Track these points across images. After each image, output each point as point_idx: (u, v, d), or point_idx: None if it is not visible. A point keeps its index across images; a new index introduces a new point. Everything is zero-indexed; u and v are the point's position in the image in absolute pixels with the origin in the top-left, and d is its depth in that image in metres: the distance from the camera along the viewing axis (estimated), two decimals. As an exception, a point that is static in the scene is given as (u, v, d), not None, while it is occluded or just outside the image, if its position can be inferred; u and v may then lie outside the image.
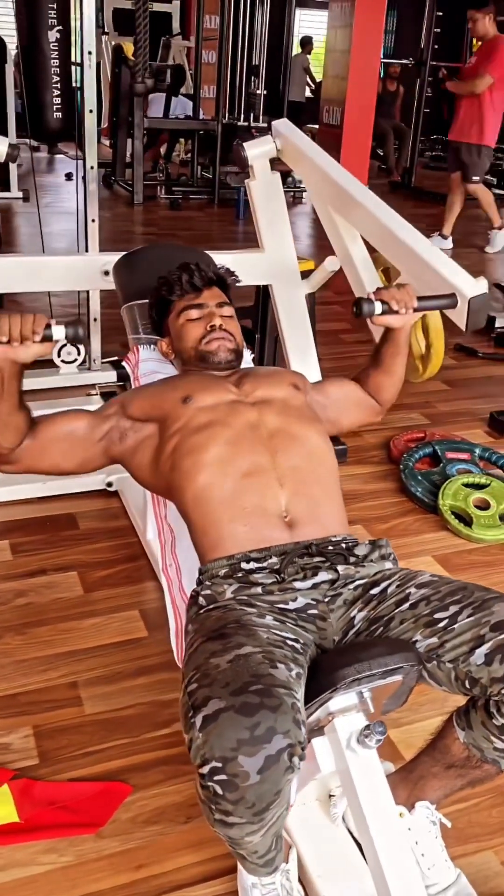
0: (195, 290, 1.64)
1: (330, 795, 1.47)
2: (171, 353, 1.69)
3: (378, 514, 2.59)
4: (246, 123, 7.25)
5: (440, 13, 8.56)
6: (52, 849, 1.44)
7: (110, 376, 3.32)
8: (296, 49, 11.07)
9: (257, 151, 2.26)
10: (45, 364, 3.32)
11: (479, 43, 5.81)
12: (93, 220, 3.09)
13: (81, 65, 2.88)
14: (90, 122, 2.96)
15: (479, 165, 5.75)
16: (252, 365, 1.98)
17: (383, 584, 1.31)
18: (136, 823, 1.50)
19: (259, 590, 1.27)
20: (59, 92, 3.29)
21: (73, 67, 3.29)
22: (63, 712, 1.74)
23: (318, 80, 10.45)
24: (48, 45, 3.20)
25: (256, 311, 3.01)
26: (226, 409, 1.45)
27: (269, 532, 1.34)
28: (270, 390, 1.51)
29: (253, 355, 2.03)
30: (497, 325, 4.38)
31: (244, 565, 1.30)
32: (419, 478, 2.70)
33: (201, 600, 1.30)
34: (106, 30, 9.06)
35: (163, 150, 8.56)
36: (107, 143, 8.39)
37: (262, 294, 2.93)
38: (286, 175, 3.87)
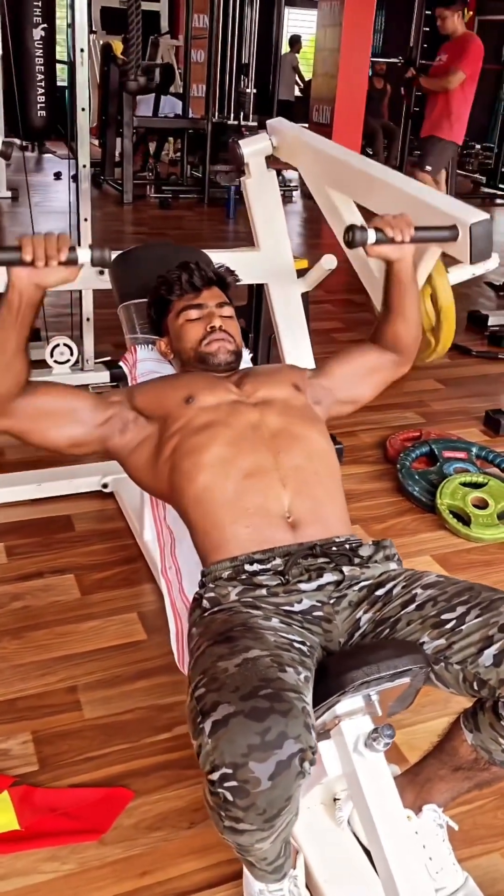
0: (195, 289, 1.62)
1: (335, 799, 1.46)
2: (169, 352, 1.67)
3: (375, 513, 2.58)
4: (236, 122, 7.22)
5: (429, 12, 8.56)
6: (54, 857, 1.42)
7: (103, 377, 3.30)
8: (284, 48, 11.04)
9: (253, 149, 2.24)
10: (37, 364, 3.29)
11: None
12: (85, 220, 3.07)
13: (73, 63, 2.86)
14: (83, 120, 2.94)
15: (438, 159, 5.69)
16: (250, 365, 1.96)
17: (389, 585, 1.30)
18: (138, 829, 1.48)
19: (264, 592, 1.26)
20: (43, 90, 3.26)
21: (57, 66, 3.26)
22: (62, 717, 1.71)
23: (306, 79, 10.44)
24: (33, 43, 3.17)
25: (250, 310, 2.99)
26: (227, 410, 1.43)
27: (272, 533, 1.32)
28: (271, 391, 1.50)
29: (251, 355, 2.01)
30: (490, 323, 4.39)
31: (248, 567, 1.29)
32: (416, 477, 2.69)
33: (205, 603, 1.28)
34: (94, 28, 9.01)
35: (151, 148, 8.53)
36: (95, 142, 8.35)
37: (256, 293, 2.91)
38: (277, 174, 3.84)
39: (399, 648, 1.18)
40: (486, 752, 1.26)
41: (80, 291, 3.22)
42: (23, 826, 1.45)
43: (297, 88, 10.91)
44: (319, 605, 1.26)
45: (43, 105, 3.27)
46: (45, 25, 3.16)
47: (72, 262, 1.26)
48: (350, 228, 1.41)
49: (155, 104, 8.02)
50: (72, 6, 2.83)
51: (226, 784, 0.94)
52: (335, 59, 7.90)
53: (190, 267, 1.63)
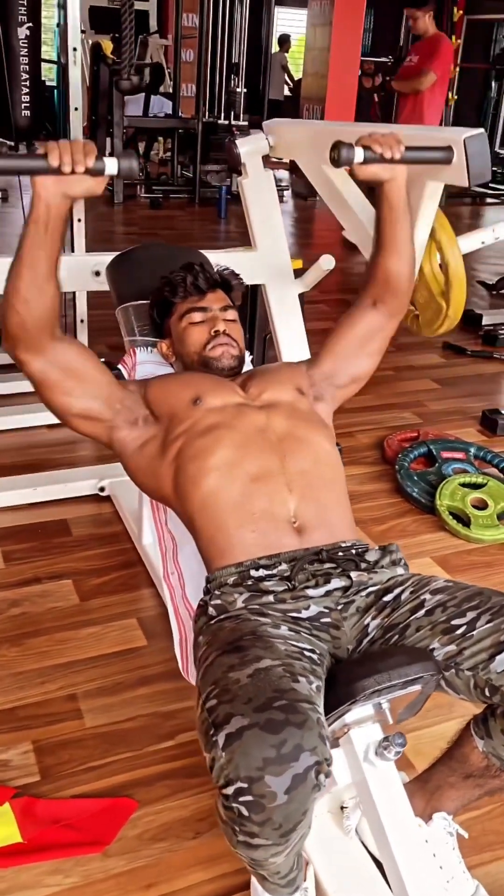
0: (199, 292, 1.59)
1: (342, 807, 1.43)
2: (171, 355, 1.64)
3: (375, 515, 2.56)
4: (226, 122, 7.20)
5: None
6: (58, 869, 1.40)
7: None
8: (273, 47, 11.02)
9: (250, 148, 2.22)
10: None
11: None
12: (79, 220, 3.04)
13: (66, 62, 2.83)
14: (75, 119, 2.91)
15: None
16: (251, 367, 1.94)
17: (396, 591, 1.28)
18: (142, 840, 1.46)
19: (271, 598, 1.24)
20: (27, 90, 3.23)
21: (42, 65, 3.23)
22: (63, 726, 1.69)
23: (296, 78, 10.42)
24: (18, 42, 3.14)
25: (245, 310, 2.97)
26: (233, 412, 1.41)
27: (278, 538, 1.31)
28: (277, 394, 1.47)
29: (252, 357, 1.99)
30: (484, 322, 4.38)
31: (253, 573, 1.27)
32: (415, 478, 2.67)
33: (211, 610, 1.26)
34: (82, 28, 8.96)
35: (141, 147, 8.49)
36: (85, 142, 8.29)
37: (251, 293, 2.89)
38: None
39: (410, 655, 1.17)
40: (497, 759, 1.24)
41: (74, 293, 3.19)
42: (25, 839, 1.42)
43: (286, 88, 10.89)
44: (327, 611, 1.25)
45: (28, 104, 3.24)
46: (31, 24, 3.13)
47: (98, 171, 1.21)
48: (336, 145, 1.32)
49: (145, 104, 7.99)
50: (63, 6, 2.79)
51: (241, 799, 0.92)
52: (325, 59, 7.89)
53: (194, 269, 1.60)
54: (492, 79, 11.12)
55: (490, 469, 2.80)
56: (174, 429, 1.42)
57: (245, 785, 0.91)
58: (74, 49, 2.78)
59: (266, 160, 2.33)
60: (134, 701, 1.76)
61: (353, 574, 1.28)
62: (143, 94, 7.81)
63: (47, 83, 10.54)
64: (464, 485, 2.60)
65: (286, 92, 10.83)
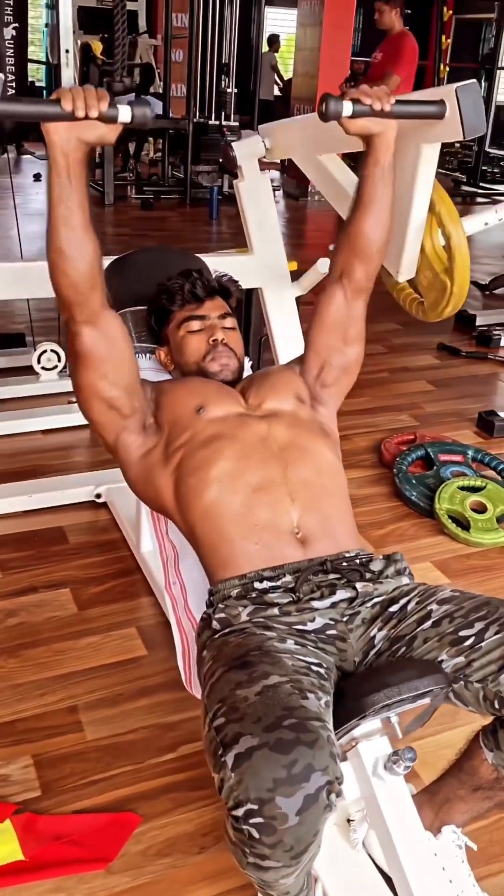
0: (197, 300, 1.56)
1: (349, 820, 1.42)
2: (169, 363, 1.62)
3: (374, 519, 2.55)
4: (217, 122, 7.18)
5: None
6: (60, 888, 1.37)
7: (92, 383, 3.23)
8: (263, 47, 11.01)
9: (247, 151, 2.20)
10: (23, 371, 3.24)
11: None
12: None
13: (57, 63, 2.80)
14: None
15: None
16: (250, 372, 1.92)
17: (402, 601, 1.26)
18: (147, 856, 1.44)
19: (276, 611, 1.22)
20: (14, 91, 3.20)
21: (28, 65, 3.21)
22: (63, 739, 1.66)
23: (286, 78, 10.40)
24: (3, 42, 3.11)
25: (239, 313, 2.95)
26: (234, 422, 1.39)
27: (282, 549, 1.29)
28: (277, 403, 1.45)
29: (251, 363, 1.97)
30: (478, 323, 4.38)
31: (257, 585, 1.25)
32: (413, 482, 2.66)
33: (215, 624, 1.24)
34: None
35: (131, 148, 8.46)
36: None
37: (246, 296, 2.87)
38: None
39: (419, 668, 1.15)
40: (507, 771, 1.23)
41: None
42: (27, 856, 1.40)
43: (276, 88, 10.87)
44: (333, 623, 1.23)
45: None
46: (17, 25, 3.11)
47: (111, 118, 1.19)
48: (325, 98, 1.29)
49: (135, 104, 7.96)
50: (55, 7, 2.76)
51: (251, 820, 0.90)
52: (315, 59, 7.88)
53: (192, 276, 1.57)
54: (481, 78, 11.12)
55: (488, 472, 2.79)
56: (175, 439, 1.39)
57: (255, 806, 0.89)
58: (67, 51, 2.76)
59: (259, 161, 2.31)
60: (135, 712, 1.74)
61: (359, 585, 1.26)
62: (133, 94, 7.78)
63: (36, 84, 10.52)
64: (462, 488, 2.59)
65: (276, 92, 10.81)
